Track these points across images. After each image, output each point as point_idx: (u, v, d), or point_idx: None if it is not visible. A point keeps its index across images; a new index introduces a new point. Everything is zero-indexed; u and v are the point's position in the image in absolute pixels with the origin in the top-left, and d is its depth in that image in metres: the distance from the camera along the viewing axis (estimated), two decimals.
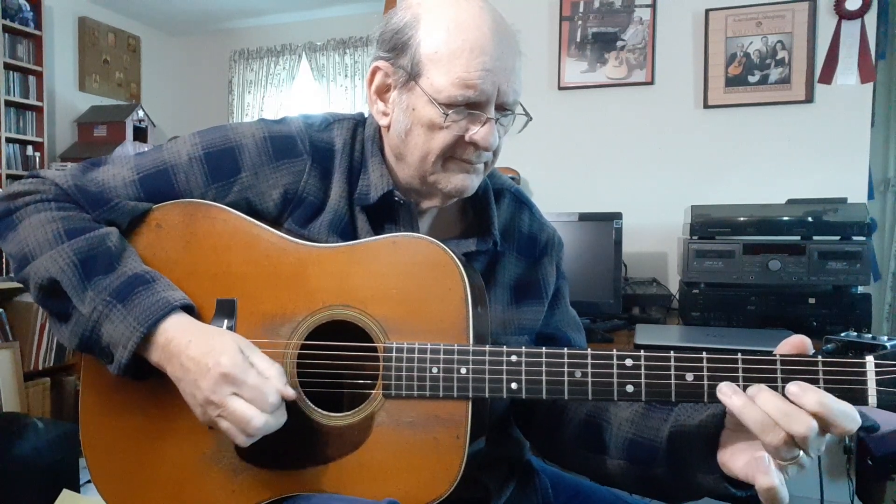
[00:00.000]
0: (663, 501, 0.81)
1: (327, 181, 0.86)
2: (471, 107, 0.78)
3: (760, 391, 0.62)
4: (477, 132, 0.79)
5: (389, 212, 0.86)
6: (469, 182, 0.83)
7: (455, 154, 0.81)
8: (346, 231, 0.85)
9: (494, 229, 0.90)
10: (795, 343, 0.65)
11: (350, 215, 0.86)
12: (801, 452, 0.60)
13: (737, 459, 0.65)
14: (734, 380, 0.65)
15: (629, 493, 0.85)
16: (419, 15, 0.79)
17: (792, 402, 0.60)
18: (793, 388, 0.61)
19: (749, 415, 0.61)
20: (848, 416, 0.59)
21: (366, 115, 0.92)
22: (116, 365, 0.75)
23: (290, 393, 0.72)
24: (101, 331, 0.75)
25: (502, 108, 0.81)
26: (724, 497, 0.70)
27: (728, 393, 0.63)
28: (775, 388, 0.63)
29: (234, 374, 0.69)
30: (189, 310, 0.78)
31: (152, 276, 0.78)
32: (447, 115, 0.77)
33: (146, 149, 1.16)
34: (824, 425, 0.59)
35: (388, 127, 0.84)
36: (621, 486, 0.84)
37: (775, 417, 0.59)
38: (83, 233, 0.78)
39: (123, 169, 0.84)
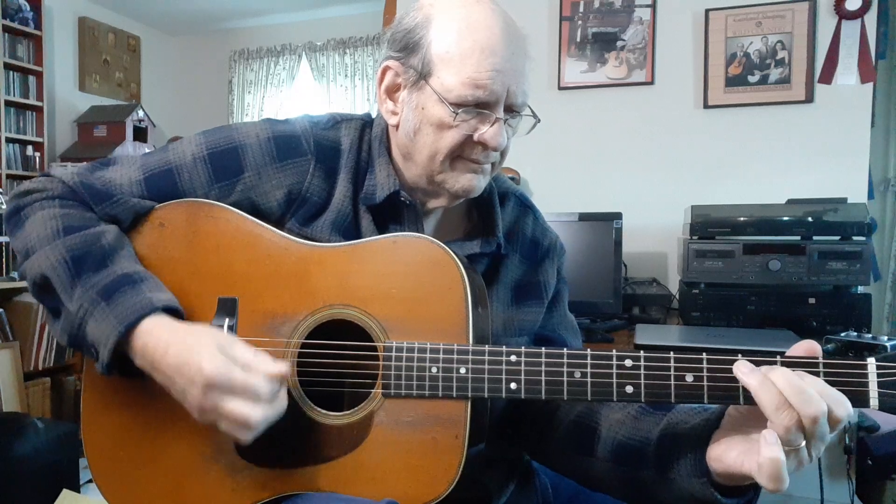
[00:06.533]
0: None
1: (332, 180, 0.86)
2: (480, 107, 0.78)
3: (774, 369, 0.62)
4: (486, 132, 0.79)
5: (394, 212, 0.86)
6: (476, 182, 0.83)
7: (463, 154, 0.81)
8: (350, 230, 0.85)
9: (499, 231, 0.90)
10: (807, 347, 0.65)
11: (354, 215, 0.86)
12: (803, 444, 0.60)
13: (731, 451, 0.65)
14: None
15: (616, 498, 0.84)
16: (431, 16, 0.80)
17: None
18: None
19: (765, 394, 0.60)
20: (840, 402, 0.59)
21: (372, 116, 0.92)
22: (100, 364, 0.74)
23: (283, 369, 0.70)
24: (87, 329, 0.74)
25: (511, 110, 0.81)
26: None
27: (745, 371, 0.63)
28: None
29: (218, 381, 0.67)
30: (174, 311, 0.76)
31: (141, 276, 0.78)
32: (457, 114, 0.78)
33: (146, 149, 1.16)
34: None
35: (397, 126, 0.84)
36: (608, 489, 0.83)
37: (788, 395, 0.59)
38: (80, 230, 0.78)
39: (131, 169, 0.85)
